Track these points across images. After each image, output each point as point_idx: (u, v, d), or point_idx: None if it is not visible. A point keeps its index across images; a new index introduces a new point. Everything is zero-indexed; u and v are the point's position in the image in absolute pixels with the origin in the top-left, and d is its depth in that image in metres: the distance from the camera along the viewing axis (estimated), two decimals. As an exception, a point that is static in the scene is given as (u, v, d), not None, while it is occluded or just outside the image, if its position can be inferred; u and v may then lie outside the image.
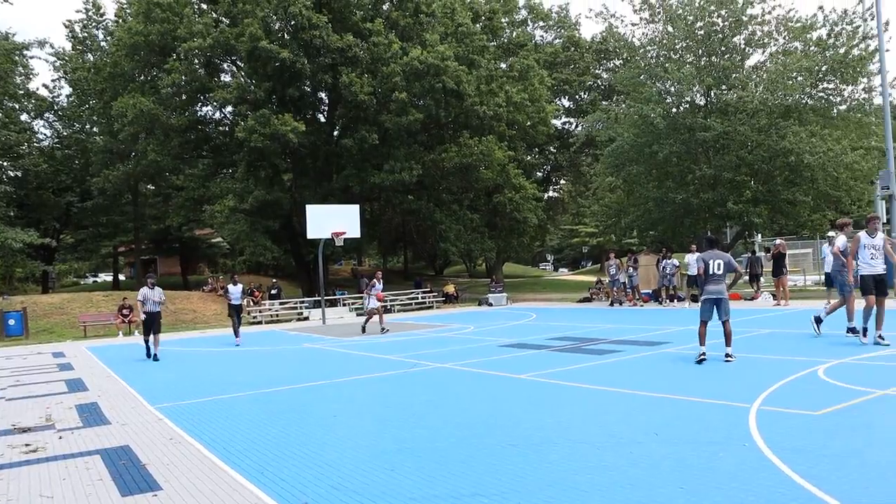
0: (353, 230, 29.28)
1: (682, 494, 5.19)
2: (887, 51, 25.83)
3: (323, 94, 39.33)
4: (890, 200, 25.95)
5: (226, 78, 39.12)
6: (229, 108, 37.59)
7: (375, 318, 22.86)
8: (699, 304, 11.96)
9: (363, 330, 22.62)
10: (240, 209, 34.80)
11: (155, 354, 17.12)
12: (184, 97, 36.54)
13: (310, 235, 28.63)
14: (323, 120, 40.26)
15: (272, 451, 7.32)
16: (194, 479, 6.39)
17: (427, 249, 59.42)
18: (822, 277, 23.61)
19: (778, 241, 25.44)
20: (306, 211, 28.68)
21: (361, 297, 34.95)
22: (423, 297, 37.91)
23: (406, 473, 6.19)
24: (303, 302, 34.17)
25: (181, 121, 36.06)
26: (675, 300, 27.14)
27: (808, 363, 10.75)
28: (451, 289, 40.12)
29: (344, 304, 34.90)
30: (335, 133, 39.36)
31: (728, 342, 11.65)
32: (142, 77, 38.68)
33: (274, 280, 37.61)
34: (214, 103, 37.43)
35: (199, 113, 39.64)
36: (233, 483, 6.21)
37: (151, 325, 17.23)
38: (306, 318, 32.01)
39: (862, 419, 7.16)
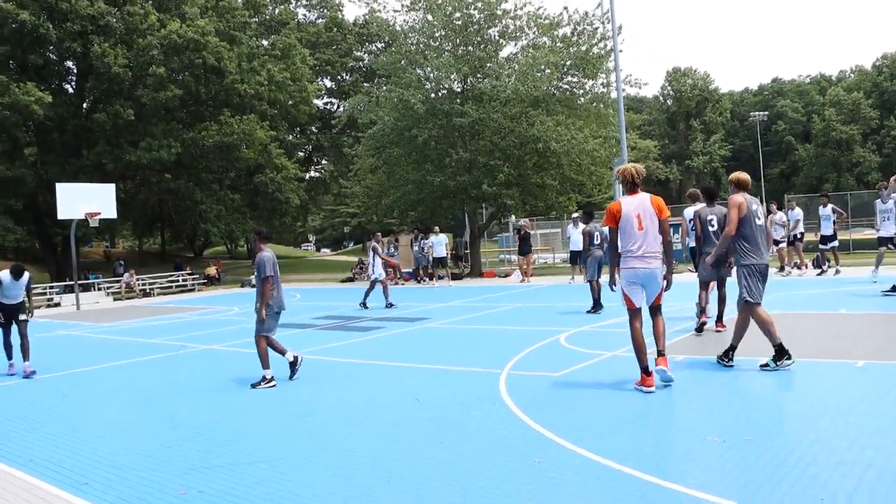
0: (109, 210, 28.01)
1: (439, 448, 5.82)
2: (621, 51, 28.28)
3: (71, 64, 36.97)
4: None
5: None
6: (-41, 72, 34.23)
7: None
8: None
9: (364, 305, 18.69)
10: (-26, 186, 32.06)
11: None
12: None
13: (60, 216, 26.91)
14: (71, 91, 37.87)
15: (39, 440, 7.09)
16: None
17: (186, 230, 57.65)
18: (568, 255, 25.56)
19: (522, 222, 27.25)
20: (56, 189, 26.97)
21: (117, 281, 33.43)
22: (183, 280, 36.85)
23: (183, 448, 6.36)
24: (52, 287, 32.06)
25: None
26: (435, 279, 28.31)
27: (552, 332, 11.88)
28: (212, 270, 39.29)
29: (99, 289, 33.16)
30: (85, 106, 37.16)
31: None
32: None
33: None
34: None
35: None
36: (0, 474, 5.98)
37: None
38: (58, 305, 30.02)
39: (591, 376, 8.20)
